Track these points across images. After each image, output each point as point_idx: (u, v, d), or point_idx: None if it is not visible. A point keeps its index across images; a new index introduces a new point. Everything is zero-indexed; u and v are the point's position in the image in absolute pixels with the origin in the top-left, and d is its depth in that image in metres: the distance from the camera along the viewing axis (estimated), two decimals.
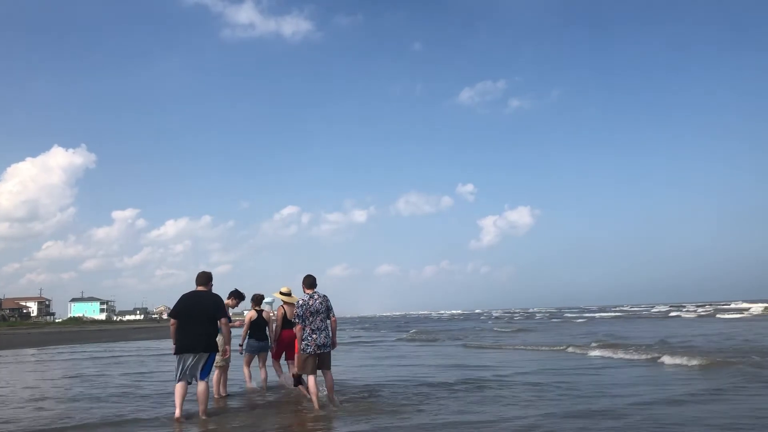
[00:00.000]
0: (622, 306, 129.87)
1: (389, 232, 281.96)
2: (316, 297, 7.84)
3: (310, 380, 7.70)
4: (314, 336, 7.69)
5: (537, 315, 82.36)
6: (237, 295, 9.49)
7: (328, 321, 7.86)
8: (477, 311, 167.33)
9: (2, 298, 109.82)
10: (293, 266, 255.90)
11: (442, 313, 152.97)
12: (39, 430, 7.07)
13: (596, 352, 16.06)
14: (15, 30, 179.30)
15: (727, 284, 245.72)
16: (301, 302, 7.82)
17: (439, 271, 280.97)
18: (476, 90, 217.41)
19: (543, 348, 19.38)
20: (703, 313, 55.81)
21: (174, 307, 7.40)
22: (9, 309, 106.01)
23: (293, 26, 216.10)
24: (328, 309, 7.87)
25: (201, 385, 7.25)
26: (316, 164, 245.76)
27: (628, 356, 14.66)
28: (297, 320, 7.75)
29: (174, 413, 7.20)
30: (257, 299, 9.94)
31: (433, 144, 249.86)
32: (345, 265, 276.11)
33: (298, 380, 8.40)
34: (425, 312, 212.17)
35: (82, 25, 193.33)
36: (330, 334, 7.85)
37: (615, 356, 14.93)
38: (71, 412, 8.23)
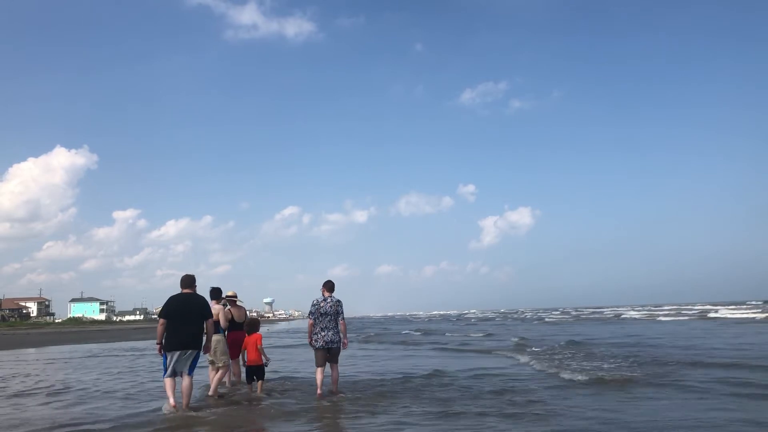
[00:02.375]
0: (603, 307, 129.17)
1: (390, 233, 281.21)
2: (328, 300, 8.60)
3: (318, 371, 8.59)
4: (323, 333, 8.50)
5: (496, 316, 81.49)
6: (218, 294, 9.36)
7: (338, 322, 8.56)
8: (465, 311, 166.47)
9: (2, 298, 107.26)
10: (293, 266, 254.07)
11: (433, 314, 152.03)
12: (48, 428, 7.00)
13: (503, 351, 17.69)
14: (18, 30, 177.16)
15: (730, 284, 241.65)
16: (314, 302, 8.65)
17: (438, 272, 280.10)
18: (477, 91, 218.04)
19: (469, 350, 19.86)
20: (645, 315, 55.97)
21: (164, 307, 7.63)
22: (9, 309, 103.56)
23: (296, 27, 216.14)
24: (337, 312, 8.57)
25: (187, 380, 7.52)
26: (318, 165, 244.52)
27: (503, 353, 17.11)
28: (310, 317, 8.65)
29: (170, 402, 7.49)
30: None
31: (434, 144, 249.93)
32: (345, 265, 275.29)
33: (250, 377, 8.97)
34: (418, 313, 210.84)
35: (85, 27, 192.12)
36: (338, 332, 8.56)
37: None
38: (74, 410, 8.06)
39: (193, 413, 7.44)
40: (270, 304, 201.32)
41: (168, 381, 7.49)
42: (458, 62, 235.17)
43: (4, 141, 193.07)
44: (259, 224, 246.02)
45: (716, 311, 52.63)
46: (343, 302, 8.62)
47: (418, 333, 34.68)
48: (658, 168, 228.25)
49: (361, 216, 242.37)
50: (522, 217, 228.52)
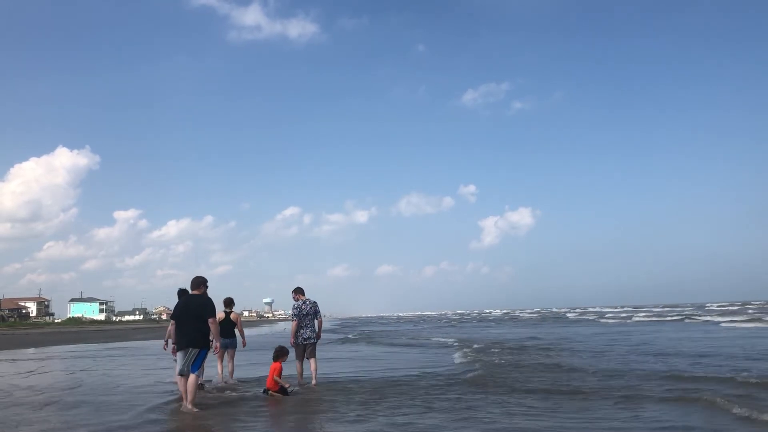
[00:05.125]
0: (592, 307, 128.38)
1: (390, 233, 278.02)
2: (307, 302, 9.94)
3: (298, 364, 9.95)
4: (302, 331, 9.80)
5: (469, 317, 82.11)
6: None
7: (315, 321, 9.88)
8: (458, 311, 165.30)
9: (1, 298, 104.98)
10: (294, 267, 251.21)
11: (422, 315, 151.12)
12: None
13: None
14: (20, 30, 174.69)
15: (732, 284, 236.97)
16: (295, 305, 9.92)
17: (439, 272, 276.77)
18: (479, 92, 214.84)
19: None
20: (594, 317, 57.94)
21: (173, 310, 8.17)
22: (8, 309, 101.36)
23: (299, 28, 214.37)
24: (316, 312, 9.94)
25: (190, 378, 7.57)
26: (319, 165, 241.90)
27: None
28: (293, 318, 9.89)
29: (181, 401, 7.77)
30: (227, 302, 10.52)
31: (435, 145, 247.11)
32: (346, 265, 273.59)
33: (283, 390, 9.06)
34: (406, 314, 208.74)
35: (87, 27, 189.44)
36: (314, 329, 9.86)
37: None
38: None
39: (197, 410, 7.53)
40: (270, 304, 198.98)
41: (179, 379, 7.72)
42: (460, 63, 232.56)
43: (6, 141, 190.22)
44: (260, 224, 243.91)
45: (638, 315, 55.40)
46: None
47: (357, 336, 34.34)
48: (658, 169, 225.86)
49: (361, 216, 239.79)
50: (522, 217, 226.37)
